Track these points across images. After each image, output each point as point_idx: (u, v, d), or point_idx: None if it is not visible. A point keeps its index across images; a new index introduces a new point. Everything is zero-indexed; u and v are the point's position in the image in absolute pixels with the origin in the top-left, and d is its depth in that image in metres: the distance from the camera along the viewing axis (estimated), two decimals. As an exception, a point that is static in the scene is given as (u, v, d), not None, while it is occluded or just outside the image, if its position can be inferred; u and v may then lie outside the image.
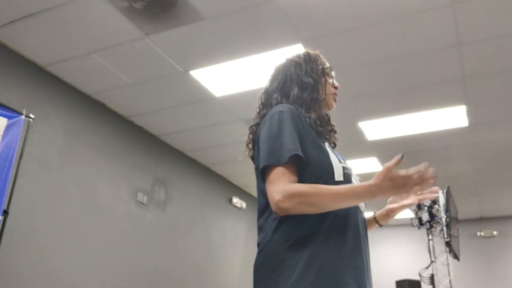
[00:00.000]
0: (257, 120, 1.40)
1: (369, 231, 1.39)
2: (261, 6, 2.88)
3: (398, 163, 1.06)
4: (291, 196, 1.11)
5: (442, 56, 3.34)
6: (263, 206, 1.25)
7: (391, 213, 1.52)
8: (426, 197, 1.42)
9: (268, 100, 1.42)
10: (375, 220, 1.56)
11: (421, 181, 1.07)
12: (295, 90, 1.38)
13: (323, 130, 1.36)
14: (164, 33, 3.17)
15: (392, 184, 1.07)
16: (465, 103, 3.95)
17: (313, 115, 1.38)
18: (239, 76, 3.68)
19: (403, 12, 2.89)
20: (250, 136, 1.40)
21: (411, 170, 1.06)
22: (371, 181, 1.09)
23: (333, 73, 1.49)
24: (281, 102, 1.37)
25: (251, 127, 1.41)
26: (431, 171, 1.07)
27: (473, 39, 3.13)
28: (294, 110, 1.28)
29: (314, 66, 1.43)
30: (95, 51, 3.42)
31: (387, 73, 3.58)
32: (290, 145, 1.18)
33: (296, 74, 1.40)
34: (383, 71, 3.56)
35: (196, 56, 3.45)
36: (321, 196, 1.12)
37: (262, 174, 1.22)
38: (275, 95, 1.40)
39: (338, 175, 1.22)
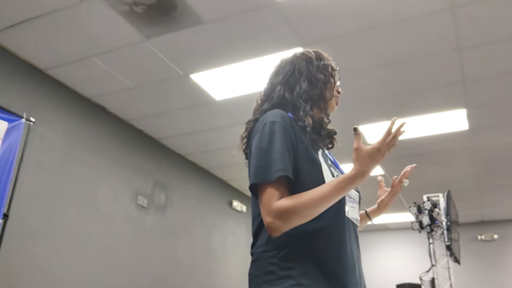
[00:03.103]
0: (256, 115, 1.35)
1: (360, 227, 1.36)
2: (262, 10, 2.89)
3: (359, 138, 1.10)
4: (280, 215, 1.08)
5: (443, 60, 3.34)
6: (256, 213, 1.22)
7: (382, 206, 1.49)
8: (406, 172, 1.39)
9: (270, 92, 1.36)
10: (366, 215, 1.54)
11: (392, 139, 1.13)
12: (303, 85, 1.31)
13: (317, 137, 1.30)
14: (164, 36, 3.18)
15: (370, 158, 1.10)
16: (466, 106, 3.95)
17: (316, 113, 1.34)
18: (239, 80, 3.69)
19: (404, 16, 2.90)
20: (247, 131, 1.36)
21: (381, 138, 1.11)
22: (351, 170, 1.11)
23: (339, 78, 1.43)
24: (284, 96, 1.31)
25: (248, 122, 1.37)
26: (398, 122, 1.14)
27: (473, 43, 3.13)
28: (287, 118, 1.22)
29: (326, 64, 1.37)
30: (95, 55, 3.42)
31: (388, 76, 3.58)
32: (279, 163, 1.12)
33: (306, 68, 1.33)
34: (383, 75, 3.57)
35: (197, 59, 3.45)
36: (308, 206, 1.09)
37: (254, 189, 1.18)
38: (279, 87, 1.33)
39: None
